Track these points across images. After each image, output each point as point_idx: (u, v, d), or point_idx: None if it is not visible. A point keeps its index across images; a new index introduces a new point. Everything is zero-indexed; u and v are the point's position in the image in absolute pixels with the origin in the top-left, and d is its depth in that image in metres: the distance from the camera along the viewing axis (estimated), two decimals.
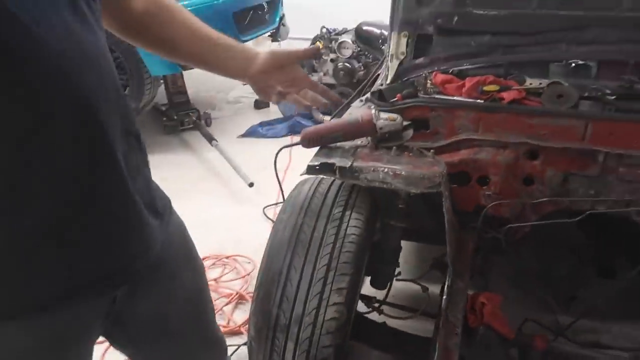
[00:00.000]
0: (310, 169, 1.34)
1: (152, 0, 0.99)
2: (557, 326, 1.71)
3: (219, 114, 4.55)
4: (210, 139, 3.65)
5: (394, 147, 1.41)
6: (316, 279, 1.29)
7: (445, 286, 1.43)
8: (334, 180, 1.52)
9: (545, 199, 1.54)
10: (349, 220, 1.37)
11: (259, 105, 4.53)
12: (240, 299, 2.12)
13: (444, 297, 1.41)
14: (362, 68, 3.78)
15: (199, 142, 3.90)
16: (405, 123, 1.44)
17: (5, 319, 0.77)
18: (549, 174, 1.55)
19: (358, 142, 1.46)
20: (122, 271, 0.86)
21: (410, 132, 1.46)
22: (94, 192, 0.77)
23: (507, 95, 1.54)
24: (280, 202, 2.86)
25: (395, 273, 1.65)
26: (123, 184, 0.81)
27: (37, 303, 0.78)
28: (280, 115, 4.30)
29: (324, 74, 3.98)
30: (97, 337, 0.98)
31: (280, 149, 1.49)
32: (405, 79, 1.76)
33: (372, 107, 1.48)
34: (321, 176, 1.51)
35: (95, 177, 0.77)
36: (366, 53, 3.76)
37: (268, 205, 2.81)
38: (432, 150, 1.44)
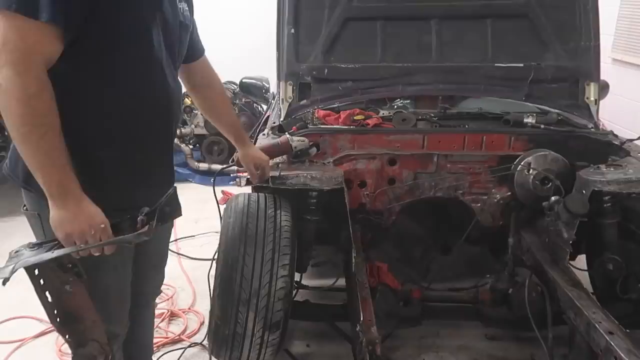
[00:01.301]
0: (249, 181, 1.81)
1: (205, 74, 1.59)
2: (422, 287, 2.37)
3: None
4: None
5: (306, 161, 1.95)
6: (266, 260, 1.73)
7: (353, 257, 1.97)
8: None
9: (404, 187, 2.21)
10: (280, 217, 1.83)
11: None
12: (172, 315, 2.39)
13: (353, 264, 1.95)
14: None
15: None
16: (310, 143, 1.99)
17: (120, 210, 1.21)
18: (404, 174, 2.23)
19: (277, 160, 1.96)
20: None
21: (314, 150, 2.01)
22: (164, 149, 1.40)
23: (371, 122, 2.20)
24: (180, 238, 3.23)
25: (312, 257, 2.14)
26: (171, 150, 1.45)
27: (138, 204, 1.26)
28: None
29: (196, 126, 4.38)
30: None
31: (217, 173, 1.93)
32: (294, 116, 2.33)
33: (286, 134, 2.01)
34: (250, 191, 1.96)
35: (168, 143, 1.41)
36: (234, 108, 4.29)
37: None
38: (330, 162, 2.01)
